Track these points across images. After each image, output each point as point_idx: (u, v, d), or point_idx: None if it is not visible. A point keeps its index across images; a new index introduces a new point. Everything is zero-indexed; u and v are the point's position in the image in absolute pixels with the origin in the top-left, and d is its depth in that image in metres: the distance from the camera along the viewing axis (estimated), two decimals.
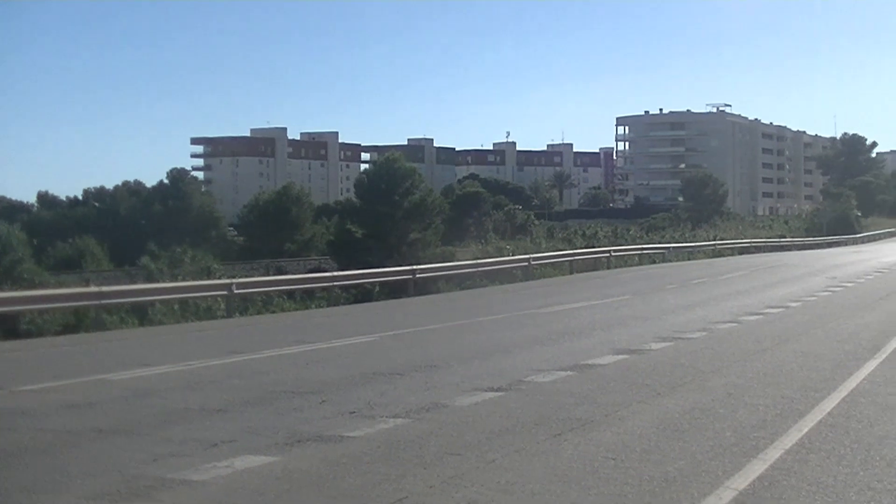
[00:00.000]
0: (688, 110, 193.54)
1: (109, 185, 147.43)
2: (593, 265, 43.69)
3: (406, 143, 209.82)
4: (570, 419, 11.31)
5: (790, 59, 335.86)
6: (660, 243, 58.29)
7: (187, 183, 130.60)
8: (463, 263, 39.67)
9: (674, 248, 55.04)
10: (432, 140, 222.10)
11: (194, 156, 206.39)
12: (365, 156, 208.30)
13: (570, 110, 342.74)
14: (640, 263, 47.64)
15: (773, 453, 9.61)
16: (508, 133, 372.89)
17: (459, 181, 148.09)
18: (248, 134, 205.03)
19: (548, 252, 45.33)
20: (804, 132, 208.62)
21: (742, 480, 8.63)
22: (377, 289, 35.71)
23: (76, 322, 25.86)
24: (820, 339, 18.82)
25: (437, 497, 8.11)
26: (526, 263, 39.23)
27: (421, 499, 8.05)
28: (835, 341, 18.46)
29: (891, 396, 12.76)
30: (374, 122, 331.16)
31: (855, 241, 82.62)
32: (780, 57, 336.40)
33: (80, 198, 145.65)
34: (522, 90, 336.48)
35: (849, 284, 32.92)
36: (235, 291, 28.27)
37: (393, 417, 11.43)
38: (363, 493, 8.21)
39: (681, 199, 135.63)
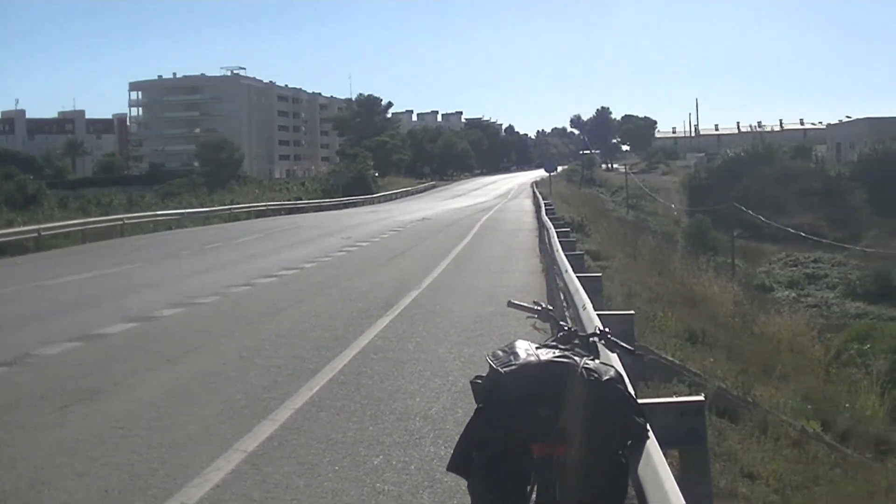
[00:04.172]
0: (202, 74, 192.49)
1: None
2: (107, 234, 42.41)
3: None
4: (78, 390, 10.88)
5: (306, 20, 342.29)
6: (176, 209, 57.41)
7: None
8: None
9: (189, 213, 54.45)
10: None
11: None
12: None
13: (82, 76, 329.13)
14: (156, 230, 46.68)
15: (284, 413, 9.62)
16: (17, 100, 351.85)
17: None
18: None
19: (60, 222, 43.31)
20: (320, 94, 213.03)
21: (252, 442, 8.57)
22: None
23: None
24: (334, 299, 19.11)
25: None
26: (36, 234, 37.42)
27: None
28: (349, 300, 18.81)
29: (401, 352, 13.16)
30: None
31: (372, 202, 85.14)
32: (296, 20, 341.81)
33: None
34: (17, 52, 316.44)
35: (364, 244, 33.79)
36: None
37: None
38: None
39: (196, 164, 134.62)
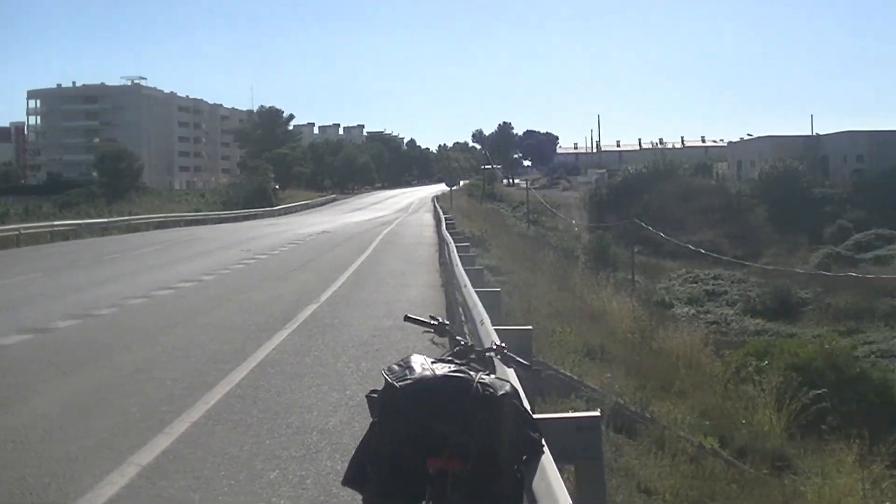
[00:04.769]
0: (102, 83, 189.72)
1: None
2: (3, 244, 41.61)
3: None
4: None
5: (208, 30, 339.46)
6: (74, 219, 56.45)
7: None
8: None
9: (87, 224, 53.67)
10: None
11: None
12: None
13: None
14: (53, 241, 45.88)
15: (180, 426, 9.52)
16: None
17: None
18: None
19: None
20: (221, 105, 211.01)
21: (147, 455, 8.49)
22: None
23: None
24: (233, 312, 18.98)
25: None
26: None
27: None
28: (247, 313, 18.70)
29: (299, 365, 13.11)
30: None
31: (272, 214, 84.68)
32: (198, 30, 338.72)
33: None
34: None
35: (263, 256, 33.62)
36: None
37: None
38: None
39: (95, 174, 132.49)
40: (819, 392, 19.06)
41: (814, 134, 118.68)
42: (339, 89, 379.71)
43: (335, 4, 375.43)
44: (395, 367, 4.40)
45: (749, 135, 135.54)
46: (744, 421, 17.77)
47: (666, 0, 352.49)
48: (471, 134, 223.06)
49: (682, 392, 19.40)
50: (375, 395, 4.42)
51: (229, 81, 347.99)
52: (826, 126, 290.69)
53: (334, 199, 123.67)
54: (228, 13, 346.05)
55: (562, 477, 4.56)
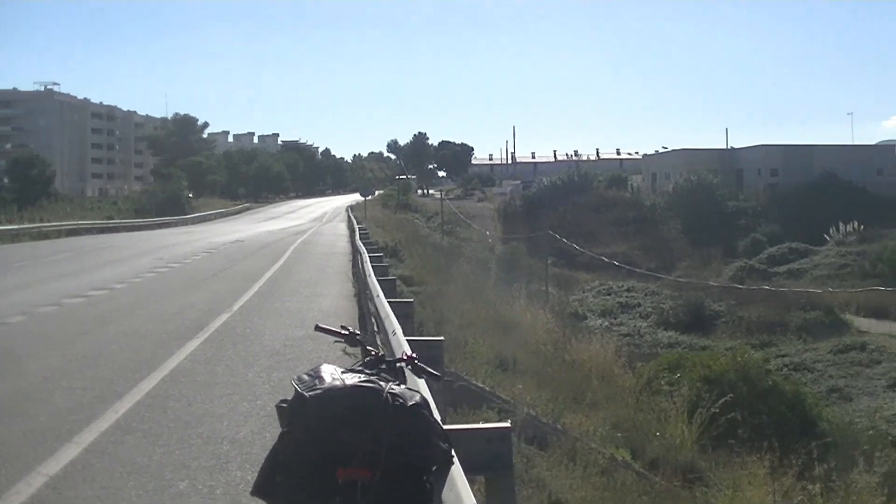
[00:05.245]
0: (14, 88, 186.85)
1: None
2: None
3: None
4: None
5: (123, 36, 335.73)
6: None
7: None
8: None
9: None
10: None
11: None
12: None
13: None
14: None
15: (89, 436, 9.43)
16: None
17: None
18: None
19: None
20: (135, 112, 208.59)
21: (54, 465, 8.39)
22: None
23: None
24: (144, 320, 18.79)
25: None
26: None
27: None
28: (159, 322, 18.53)
29: (210, 375, 13.03)
30: None
31: (186, 222, 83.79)
32: (113, 36, 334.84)
33: None
34: None
35: (176, 265, 33.26)
36: None
37: None
38: None
39: (6, 180, 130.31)
40: (728, 401, 19.24)
41: (728, 147, 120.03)
42: (255, 97, 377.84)
43: (251, 12, 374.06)
44: (305, 377, 4.41)
45: (664, 147, 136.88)
46: (656, 433, 17.91)
47: (579, 13, 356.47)
48: (386, 144, 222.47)
49: (595, 404, 19.55)
50: (285, 405, 4.42)
51: (144, 88, 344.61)
52: (741, 140, 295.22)
53: (248, 208, 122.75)
54: (144, 19, 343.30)
55: (472, 488, 4.59)
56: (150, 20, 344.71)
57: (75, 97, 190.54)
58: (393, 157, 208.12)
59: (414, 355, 5.30)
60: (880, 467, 17.24)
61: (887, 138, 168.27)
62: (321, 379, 4.35)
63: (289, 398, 4.39)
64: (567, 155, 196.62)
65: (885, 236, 71.10)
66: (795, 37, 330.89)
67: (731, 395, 20.37)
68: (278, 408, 4.48)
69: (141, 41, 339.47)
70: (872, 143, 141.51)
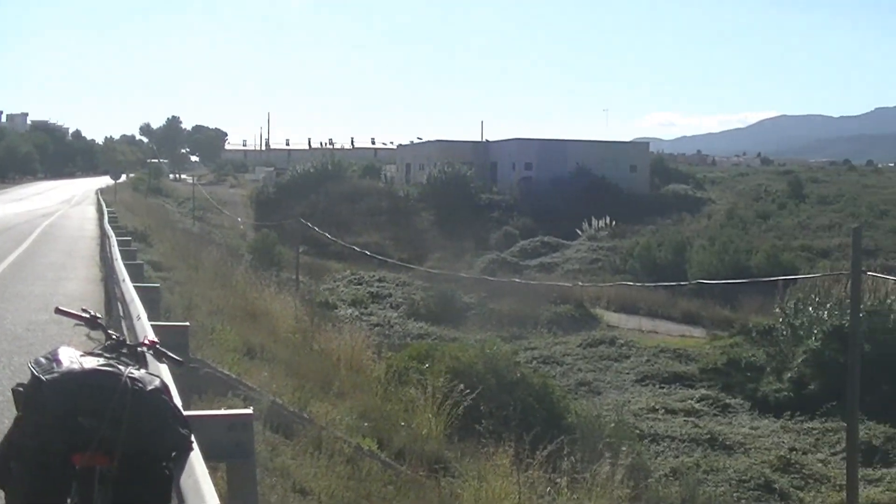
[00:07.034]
0: None
1: None
2: None
3: None
4: None
5: None
6: None
7: None
8: None
9: None
10: None
11: None
12: None
13: None
14: None
15: None
16: None
17: None
18: None
19: None
20: None
21: None
22: None
23: None
24: None
25: None
26: None
27: None
28: None
29: None
30: None
31: None
32: None
33: None
34: None
35: None
36: None
37: None
38: None
39: None
40: (474, 394, 19.58)
41: (483, 140, 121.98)
42: (3, 75, 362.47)
43: None
44: (43, 360, 4.32)
45: (419, 138, 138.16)
46: (403, 423, 18.11)
47: (337, 5, 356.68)
48: (138, 127, 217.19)
49: (342, 393, 19.62)
50: (21, 389, 4.32)
51: None
52: (501, 134, 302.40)
53: None
54: None
55: (214, 475, 4.60)
56: None
57: None
58: (146, 140, 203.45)
59: (156, 340, 5.27)
60: (625, 459, 17.89)
61: (642, 135, 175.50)
62: (59, 362, 4.27)
63: (26, 382, 4.30)
64: (322, 143, 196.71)
65: (636, 232, 73.62)
66: (555, 34, 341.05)
67: (481, 386, 20.75)
68: (14, 392, 4.37)
69: None
70: (628, 139, 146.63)
